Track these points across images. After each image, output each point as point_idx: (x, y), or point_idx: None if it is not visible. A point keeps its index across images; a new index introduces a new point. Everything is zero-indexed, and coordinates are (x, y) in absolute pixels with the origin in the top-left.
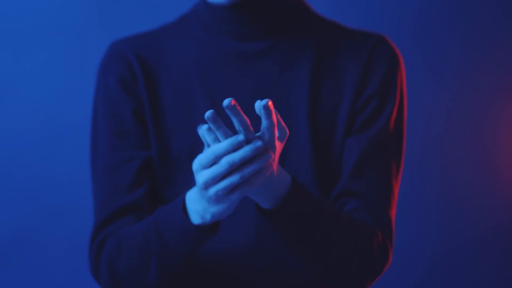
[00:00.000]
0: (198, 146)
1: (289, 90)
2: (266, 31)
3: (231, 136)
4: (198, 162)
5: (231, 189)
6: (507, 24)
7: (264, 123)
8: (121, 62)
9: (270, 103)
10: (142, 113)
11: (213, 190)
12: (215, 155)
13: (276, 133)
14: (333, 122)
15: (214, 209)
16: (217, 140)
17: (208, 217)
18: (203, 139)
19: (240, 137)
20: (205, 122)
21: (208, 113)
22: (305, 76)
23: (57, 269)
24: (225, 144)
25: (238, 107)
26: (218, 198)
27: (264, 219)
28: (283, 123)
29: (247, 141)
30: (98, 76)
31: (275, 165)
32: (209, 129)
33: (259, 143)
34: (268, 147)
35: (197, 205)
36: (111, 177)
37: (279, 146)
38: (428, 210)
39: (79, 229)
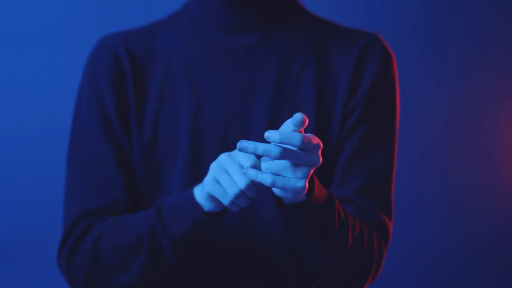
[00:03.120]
0: (181, 142)
1: (278, 86)
2: (256, 25)
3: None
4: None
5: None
6: (507, 24)
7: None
8: (109, 54)
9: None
10: (125, 109)
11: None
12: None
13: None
14: (320, 120)
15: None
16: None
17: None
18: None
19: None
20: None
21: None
22: (293, 72)
23: (57, 269)
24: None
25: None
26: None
27: (285, 213)
28: None
29: None
30: (85, 67)
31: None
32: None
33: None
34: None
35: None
36: (99, 169)
37: None
38: (428, 210)
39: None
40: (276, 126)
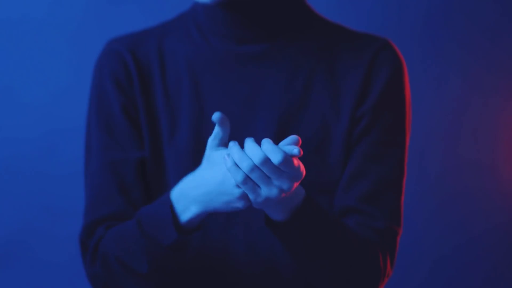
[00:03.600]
0: (184, 151)
1: (285, 96)
2: (262, 34)
3: None
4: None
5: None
6: (508, 25)
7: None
8: (116, 60)
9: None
10: (133, 111)
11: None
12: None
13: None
14: (328, 130)
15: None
16: None
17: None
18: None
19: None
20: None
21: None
22: (301, 81)
23: (57, 270)
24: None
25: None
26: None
27: (275, 231)
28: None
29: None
30: (94, 74)
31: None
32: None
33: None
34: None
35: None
36: (106, 176)
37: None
38: (427, 211)
39: (79, 230)
40: (281, 135)
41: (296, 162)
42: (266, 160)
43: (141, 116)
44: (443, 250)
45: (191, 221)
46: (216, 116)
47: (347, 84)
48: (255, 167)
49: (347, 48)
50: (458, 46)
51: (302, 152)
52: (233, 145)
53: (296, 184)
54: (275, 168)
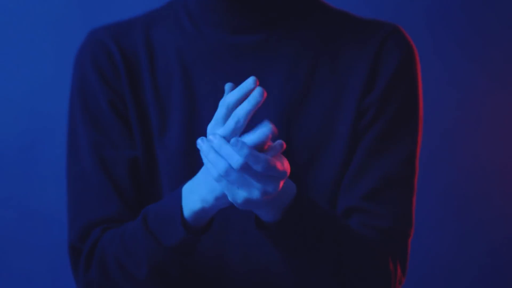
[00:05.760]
0: (174, 149)
1: (285, 91)
2: (259, 22)
3: None
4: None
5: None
6: (508, 24)
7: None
8: (100, 50)
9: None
10: (122, 107)
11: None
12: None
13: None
14: (332, 126)
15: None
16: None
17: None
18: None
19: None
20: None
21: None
22: (302, 74)
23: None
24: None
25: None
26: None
27: (267, 234)
28: None
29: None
30: (75, 66)
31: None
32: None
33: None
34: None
35: (201, 188)
36: (98, 176)
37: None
38: (427, 211)
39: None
40: (282, 134)
41: (278, 163)
42: (245, 167)
43: (131, 112)
44: (442, 250)
45: (195, 218)
46: (229, 85)
47: (353, 76)
48: (230, 170)
49: (352, 37)
50: (459, 45)
51: (276, 129)
52: (202, 144)
53: (282, 183)
54: (255, 173)
